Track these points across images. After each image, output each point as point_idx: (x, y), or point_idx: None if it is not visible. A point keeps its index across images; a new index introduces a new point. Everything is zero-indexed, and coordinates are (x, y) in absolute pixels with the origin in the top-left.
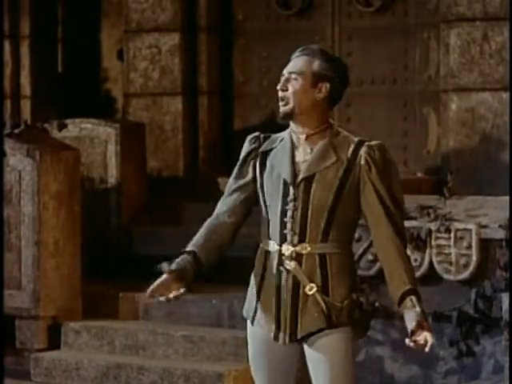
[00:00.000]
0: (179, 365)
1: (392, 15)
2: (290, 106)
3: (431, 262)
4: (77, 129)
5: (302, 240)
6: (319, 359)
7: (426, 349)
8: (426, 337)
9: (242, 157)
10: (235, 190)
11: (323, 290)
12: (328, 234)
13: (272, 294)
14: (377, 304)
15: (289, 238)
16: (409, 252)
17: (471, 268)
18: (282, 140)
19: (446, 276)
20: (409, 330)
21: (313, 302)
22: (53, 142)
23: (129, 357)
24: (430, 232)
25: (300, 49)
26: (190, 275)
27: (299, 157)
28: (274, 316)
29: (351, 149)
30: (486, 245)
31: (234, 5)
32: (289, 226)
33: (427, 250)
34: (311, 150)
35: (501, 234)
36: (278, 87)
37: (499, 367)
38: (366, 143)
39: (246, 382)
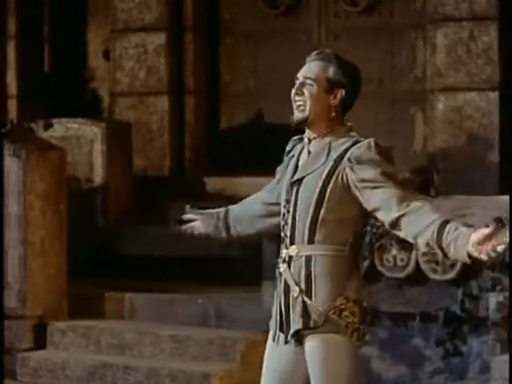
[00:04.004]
0: (165, 364)
1: (379, 15)
2: (306, 112)
3: (418, 262)
4: (63, 128)
5: (292, 242)
6: (309, 362)
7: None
8: (498, 239)
9: None
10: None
11: (307, 292)
12: (314, 235)
13: (275, 297)
14: (364, 304)
15: (284, 240)
16: (395, 252)
17: (458, 268)
18: (301, 142)
19: (432, 276)
20: (466, 248)
21: (299, 304)
22: (39, 142)
23: (115, 356)
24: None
25: (315, 52)
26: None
27: (302, 160)
28: (275, 318)
29: (342, 150)
30: None
31: (220, 4)
32: (284, 228)
33: (414, 250)
34: (310, 152)
35: None
36: (293, 91)
37: (486, 367)
38: (357, 144)
39: (232, 381)
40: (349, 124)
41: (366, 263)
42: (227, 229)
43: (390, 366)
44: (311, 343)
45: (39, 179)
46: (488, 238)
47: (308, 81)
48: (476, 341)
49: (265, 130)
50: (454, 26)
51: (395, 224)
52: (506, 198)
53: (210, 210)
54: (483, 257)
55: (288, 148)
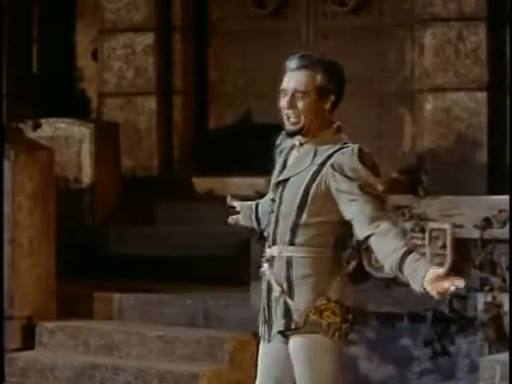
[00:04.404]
0: (154, 365)
1: (367, 15)
2: (301, 124)
3: None
4: (51, 128)
5: (274, 242)
6: (293, 362)
7: (461, 285)
8: (450, 281)
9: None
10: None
11: (288, 293)
12: (296, 237)
13: (260, 296)
14: (348, 303)
15: (268, 239)
16: None
17: (446, 268)
18: (290, 141)
19: None
20: (422, 283)
21: (281, 304)
22: (27, 142)
23: (103, 357)
24: (404, 232)
25: (296, 57)
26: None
27: (290, 160)
28: (260, 317)
29: (327, 154)
30: (460, 244)
31: (208, 4)
32: (268, 227)
33: None
34: (299, 154)
35: (476, 234)
36: (285, 105)
37: (474, 367)
38: (342, 149)
39: (220, 381)
40: (337, 124)
41: (353, 263)
42: (258, 221)
43: (378, 366)
44: (294, 343)
45: (28, 179)
46: (442, 278)
47: (299, 94)
48: (464, 341)
49: (253, 130)
50: (442, 26)
51: (365, 241)
52: (495, 197)
53: (246, 202)
54: (435, 295)
55: (278, 142)
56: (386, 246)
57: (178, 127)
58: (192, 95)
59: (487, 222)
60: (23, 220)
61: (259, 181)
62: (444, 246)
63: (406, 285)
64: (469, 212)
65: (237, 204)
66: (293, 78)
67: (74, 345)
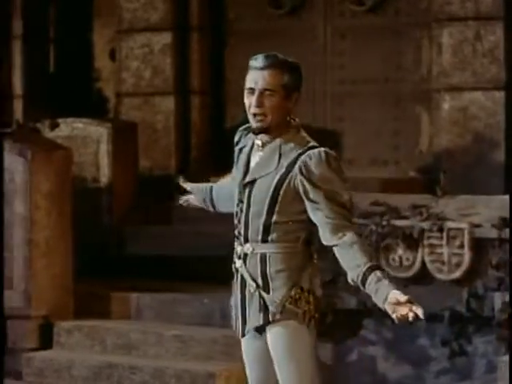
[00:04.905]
0: (171, 364)
1: (384, 14)
2: (268, 121)
3: (423, 262)
4: (69, 128)
5: (246, 240)
6: (272, 349)
7: (421, 316)
8: (410, 308)
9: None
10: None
11: (264, 287)
12: (268, 235)
13: (233, 292)
14: (369, 303)
15: (239, 238)
16: (401, 251)
17: (463, 267)
18: (249, 133)
19: (438, 275)
20: (382, 305)
21: (255, 299)
22: (44, 142)
23: (120, 356)
24: (422, 231)
25: (262, 57)
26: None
27: (253, 161)
28: (234, 313)
29: (294, 156)
30: (478, 244)
31: (225, 4)
32: (238, 227)
33: (419, 250)
34: (261, 153)
35: (493, 234)
36: (254, 103)
37: (492, 367)
38: (309, 151)
39: (237, 381)
40: (297, 121)
41: None
42: (212, 204)
43: (395, 365)
44: (272, 334)
45: (45, 179)
46: (402, 304)
47: (267, 92)
48: (481, 340)
49: None
50: (459, 26)
51: (330, 248)
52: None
53: (199, 184)
54: (394, 318)
55: (236, 139)
56: (350, 259)
57: (196, 127)
58: (209, 95)
59: (504, 222)
60: (40, 220)
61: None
62: (462, 246)
63: (424, 284)
64: (486, 211)
65: (189, 185)
66: (261, 77)
67: (91, 344)
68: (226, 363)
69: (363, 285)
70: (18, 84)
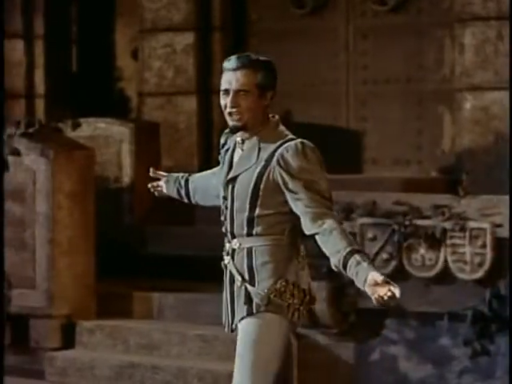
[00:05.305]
0: (193, 364)
1: (406, 14)
2: (244, 120)
3: (446, 261)
4: (91, 128)
5: (233, 236)
6: (239, 334)
7: (398, 296)
8: (388, 288)
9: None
10: (213, 174)
11: (250, 281)
12: (252, 229)
13: (223, 288)
14: (392, 303)
15: (226, 235)
16: (423, 251)
17: (486, 267)
18: (233, 140)
19: (460, 275)
20: (363, 287)
21: (242, 292)
22: (67, 142)
23: (143, 356)
24: (444, 231)
25: (234, 58)
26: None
27: (235, 158)
28: (223, 309)
29: (272, 149)
30: (500, 244)
31: (247, 4)
32: (224, 223)
33: (442, 249)
34: (243, 150)
35: None
36: (229, 104)
37: None
38: (286, 143)
39: None
40: (277, 118)
41: (393, 262)
42: (188, 196)
43: (417, 365)
44: (247, 320)
45: (67, 179)
46: (380, 285)
47: (241, 93)
48: (503, 340)
49: (291, 130)
50: (481, 25)
51: (312, 237)
52: None
53: (173, 174)
54: (373, 300)
55: (222, 141)
56: (330, 245)
57: (218, 126)
58: None
59: None
60: (62, 219)
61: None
62: (484, 246)
63: (446, 284)
64: (508, 211)
65: (162, 175)
66: (234, 78)
67: (113, 344)
68: None
69: (344, 269)
70: (40, 84)
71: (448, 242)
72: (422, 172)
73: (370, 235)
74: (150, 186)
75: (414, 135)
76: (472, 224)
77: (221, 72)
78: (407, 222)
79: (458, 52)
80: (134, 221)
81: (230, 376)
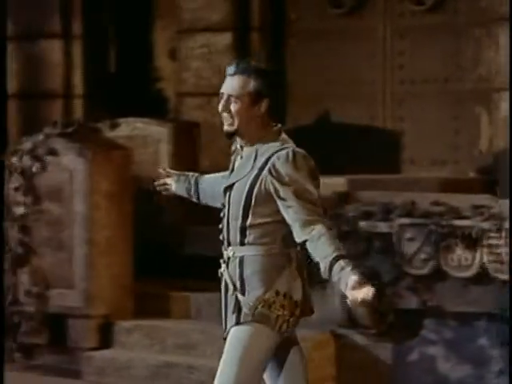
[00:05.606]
0: None
1: (444, 14)
2: (235, 126)
3: (483, 262)
4: (129, 128)
5: (229, 244)
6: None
7: (369, 297)
8: (365, 291)
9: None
10: (223, 177)
11: (241, 290)
12: (245, 238)
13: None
14: (430, 303)
15: (223, 242)
16: (460, 251)
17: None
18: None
19: (497, 276)
20: (346, 293)
21: (233, 302)
22: (105, 142)
23: (179, 356)
24: (482, 231)
25: (234, 64)
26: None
27: (236, 165)
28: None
29: (265, 158)
30: None
31: (286, 4)
32: (222, 231)
33: (478, 250)
34: (242, 158)
35: None
36: (220, 108)
37: None
38: (278, 152)
39: None
40: (278, 127)
41: (431, 263)
42: (197, 196)
43: (456, 365)
44: (232, 330)
45: (105, 179)
46: (358, 288)
47: (232, 98)
48: None
49: (330, 130)
50: None
51: (303, 245)
52: None
53: (183, 172)
54: (348, 303)
55: (233, 148)
56: (318, 252)
57: None
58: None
59: None
60: (100, 219)
61: (337, 180)
62: None
63: (483, 284)
64: None
65: (172, 173)
66: (229, 83)
67: (150, 344)
68: None
69: (330, 275)
70: (78, 84)
71: (485, 242)
72: (459, 172)
73: (408, 235)
74: (156, 184)
75: (451, 135)
76: (508, 224)
77: None
78: (444, 222)
79: (496, 51)
80: (173, 221)
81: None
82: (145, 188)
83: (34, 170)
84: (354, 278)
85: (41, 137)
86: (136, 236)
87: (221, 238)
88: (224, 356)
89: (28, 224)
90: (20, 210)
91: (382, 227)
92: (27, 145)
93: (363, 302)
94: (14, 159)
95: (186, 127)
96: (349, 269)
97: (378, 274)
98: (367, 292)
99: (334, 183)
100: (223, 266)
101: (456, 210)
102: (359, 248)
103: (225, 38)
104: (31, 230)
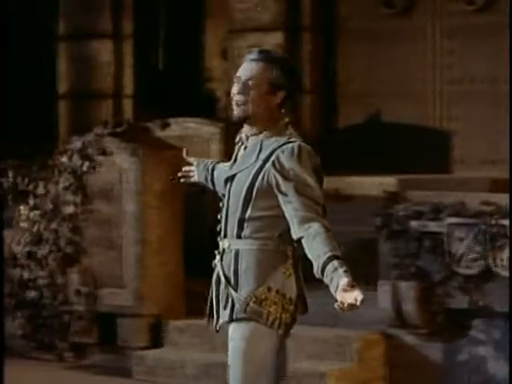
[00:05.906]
0: None
1: (493, 13)
2: (248, 111)
3: None
4: (180, 128)
5: (225, 236)
6: (229, 345)
7: (358, 304)
8: (354, 296)
9: None
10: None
11: (234, 284)
12: (242, 231)
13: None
14: (480, 303)
15: (220, 233)
16: (508, 252)
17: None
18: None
19: None
20: (335, 294)
21: (225, 296)
22: (156, 142)
23: None
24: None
25: (258, 51)
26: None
27: (239, 155)
28: (210, 307)
29: (270, 150)
30: None
31: (337, 4)
32: (220, 222)
33: None
34: (246, 148)
35: None
36: (235, 91)
37: None
38: (284, 145)
39: (347, 381)
40: (285, 120)
41: (481, 262)
42: (212, 183)
43: (505, 366)
44: (232, 329)
45: (156, 179)
46: (348, 291)
47: (250, 82)
48: None
49: (382, 129)
50: None
51: (299, 242)
52: None
53: (203, 159)
54: (336, 307)
55: (236, 140)
56: (313, 250)
57: (306, 126)
58: (320, 94)
59: None
60: (152, 219)
61: (388, 180)
62: None
63: None
64: None
65: (194, 160)
66: (249, 68)
67: (201, 343)
68: (337, 363)
69: (322, 275)
70: (128, 84)
71: None
72: (502, 173)
73: (457, 235)
74: (182, 171)
75: (500, 135)
76: (509, 224)
77: (310, 72)
78: (494, 222)
79: None
80: None
81: (319, 376)
82: (195, 189)
83: (84, 169)
84: (345, 279)
85: (91, 136)
86: (188, 235)
87: (218, 228)
88: (230, 361)
89: (78, 223)
90: (69, 210)
91: (432, 227)
92: (77, 144)
93: (351, 307)
94: (64, 158)
95: (237, 127)
96: (342, 270)
97: (428, 274)
98: (356, 297)
99: (384, 183)
100: (217, 257)
101: (506, 210)
102: (409, 247)
103: (276, 38)
104: (81, 230)
